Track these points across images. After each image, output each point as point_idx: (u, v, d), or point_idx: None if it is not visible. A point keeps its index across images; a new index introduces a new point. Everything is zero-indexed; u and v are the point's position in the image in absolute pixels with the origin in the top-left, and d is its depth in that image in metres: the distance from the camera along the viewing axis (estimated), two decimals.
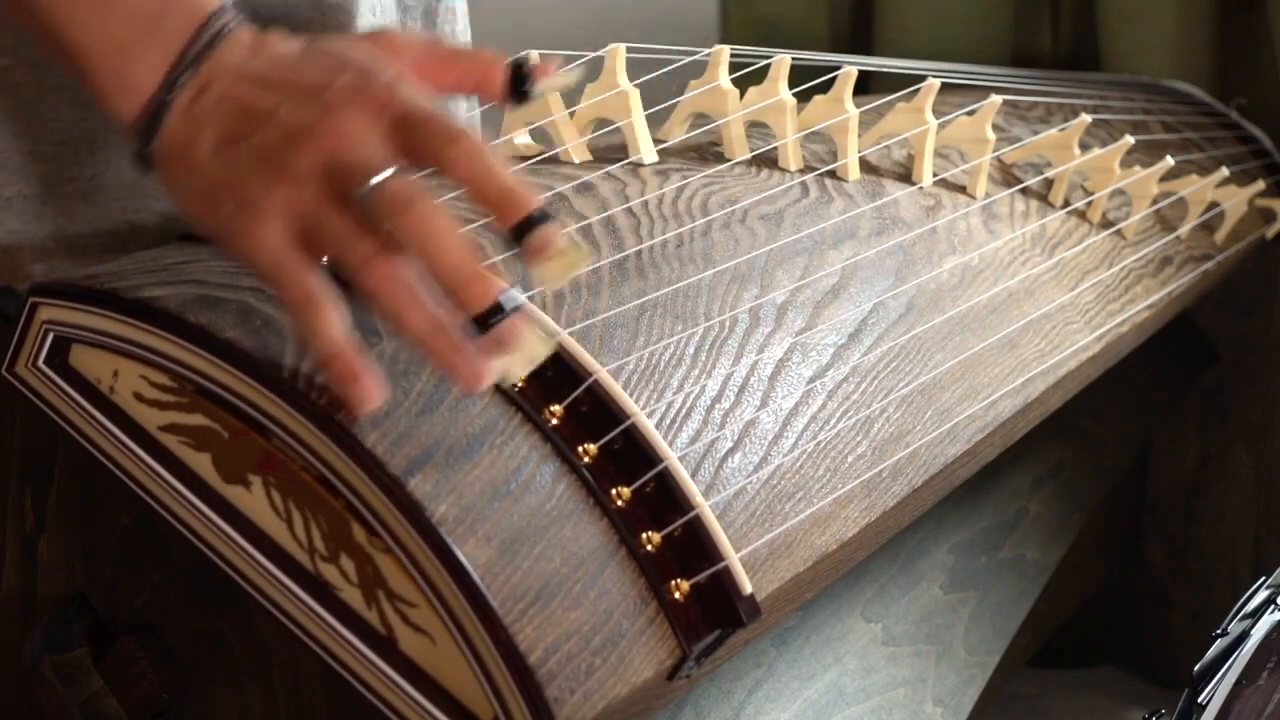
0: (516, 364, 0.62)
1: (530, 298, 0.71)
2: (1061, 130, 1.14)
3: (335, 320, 0.62)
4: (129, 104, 0.67)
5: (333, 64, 0.66)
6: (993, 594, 1.20)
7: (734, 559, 0.68)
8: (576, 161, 0.87)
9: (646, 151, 0.89)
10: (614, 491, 0.68)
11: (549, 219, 0.61)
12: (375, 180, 0.62)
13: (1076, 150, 1.13)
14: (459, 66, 0.68)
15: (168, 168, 0.67)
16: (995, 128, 1.07)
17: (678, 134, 0.95)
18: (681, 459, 0.70)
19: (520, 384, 0.68)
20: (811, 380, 0.80)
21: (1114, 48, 1.57)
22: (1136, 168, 1.18)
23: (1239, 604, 0.92)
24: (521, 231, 0.62)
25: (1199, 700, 0.84)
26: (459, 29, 1.00)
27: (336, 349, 0.62)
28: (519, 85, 0.67)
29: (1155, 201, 1.19)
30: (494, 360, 0.62)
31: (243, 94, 0.66)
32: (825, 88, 0.98)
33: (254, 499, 0.66)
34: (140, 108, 0.67)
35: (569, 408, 0.69)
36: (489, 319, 0.61)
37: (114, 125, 0.70)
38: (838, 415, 0.80)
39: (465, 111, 0.99)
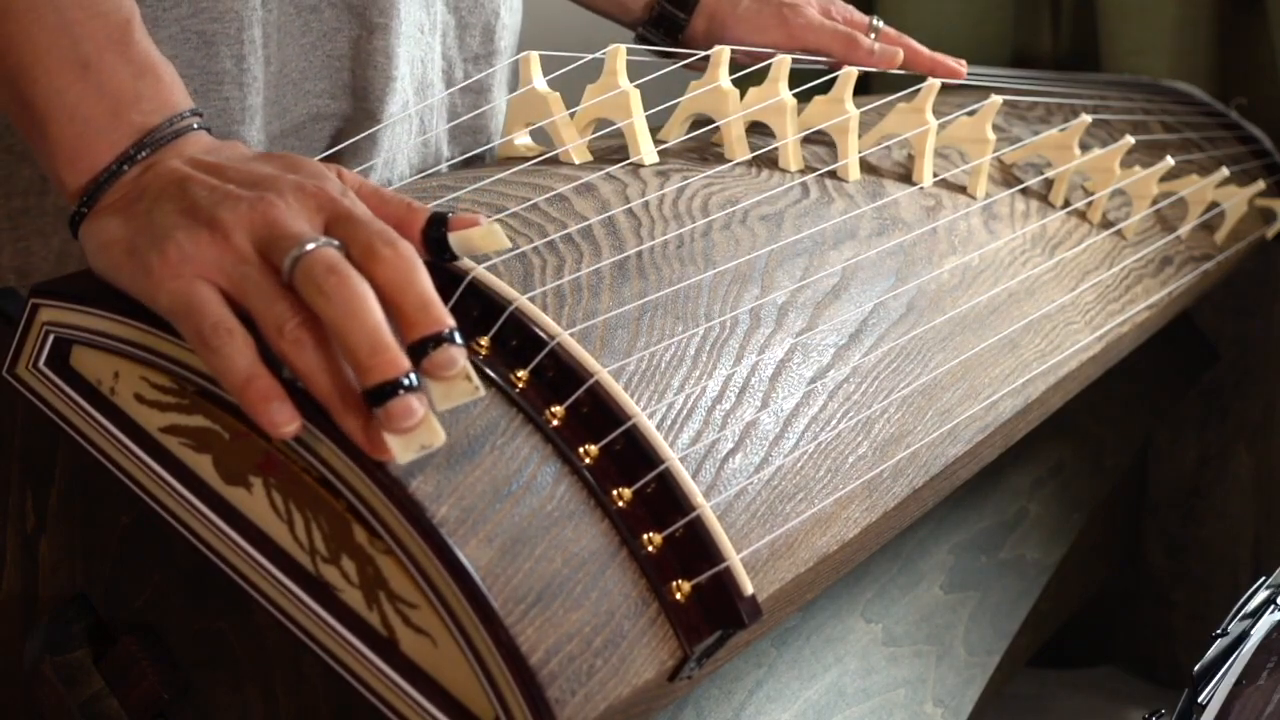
0: (405, 447, 0.61)
1: (531, 299, 0.71)
2: (1061, 130, 1.14)
3: (246, 349, 0.62)
4: (77, 173, 0.69)
5: (287, 165, 0.68)
6: (993, 594, 1.20)
7: (735, 560, 0.68)
8: (577, 162, 0.87)
9: (647, 152, 0.89)
10: (615, 492, 0.68)
11: (456, 342, 0.61)
12: (302, 248, 0.62)
13: (1077, 150, 1.13)
14: (385, 210, 0.68)
15: (93, 225, 0.68)
16: (995, 128, 1.07)
17: (678, 134, 0.95)
18: (682, 460, 0.70)
19: (521, 385, 0.68)
20: (812, 381, 0.80)
21: (1114, 48, 1.57)
22: (1136, 168, 1.18)
23: (1239, 604, 0.92)
24: (424, 347, 0.61)
25: (1199, 700, 0.84)
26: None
27: (248, 375, 0.62)
28: (435, 238, 0.67)
29: (1155, 201, 1.19)
30: (390, 435, 0.61)
31: (188, 173, 0.67)
32: (825, 88, 0.98)
33: (255, 500, 0.66)
34: (87, 178, 0.69)
35: (570, 409, 0.69)
36: (383, 394, 0.60)
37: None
38: (838, 416, 0.80)
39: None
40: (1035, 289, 1.00)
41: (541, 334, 0.70)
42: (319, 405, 0.62)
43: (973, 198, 1.03)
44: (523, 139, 0.91)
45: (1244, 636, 0.88)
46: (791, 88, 0.95)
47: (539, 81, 0.88)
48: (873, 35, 1.08)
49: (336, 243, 0.63)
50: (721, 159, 0.92)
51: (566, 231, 0.78)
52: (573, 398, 0.69)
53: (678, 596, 0.67)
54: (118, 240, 0.66)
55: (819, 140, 0.99)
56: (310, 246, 0.62)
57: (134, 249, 0.65)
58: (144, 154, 0.69)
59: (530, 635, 0.62)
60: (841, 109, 0.97)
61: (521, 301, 0.70)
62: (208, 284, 0.63)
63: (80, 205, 0.69)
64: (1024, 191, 1.09)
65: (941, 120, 1.03)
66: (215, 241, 0.64)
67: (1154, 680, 1.65)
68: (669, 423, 0.72)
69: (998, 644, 1.18)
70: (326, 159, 0.78)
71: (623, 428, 0.68)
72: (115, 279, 0.67)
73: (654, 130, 0.92)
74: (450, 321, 0.62)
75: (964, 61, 1.08)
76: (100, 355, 0.70)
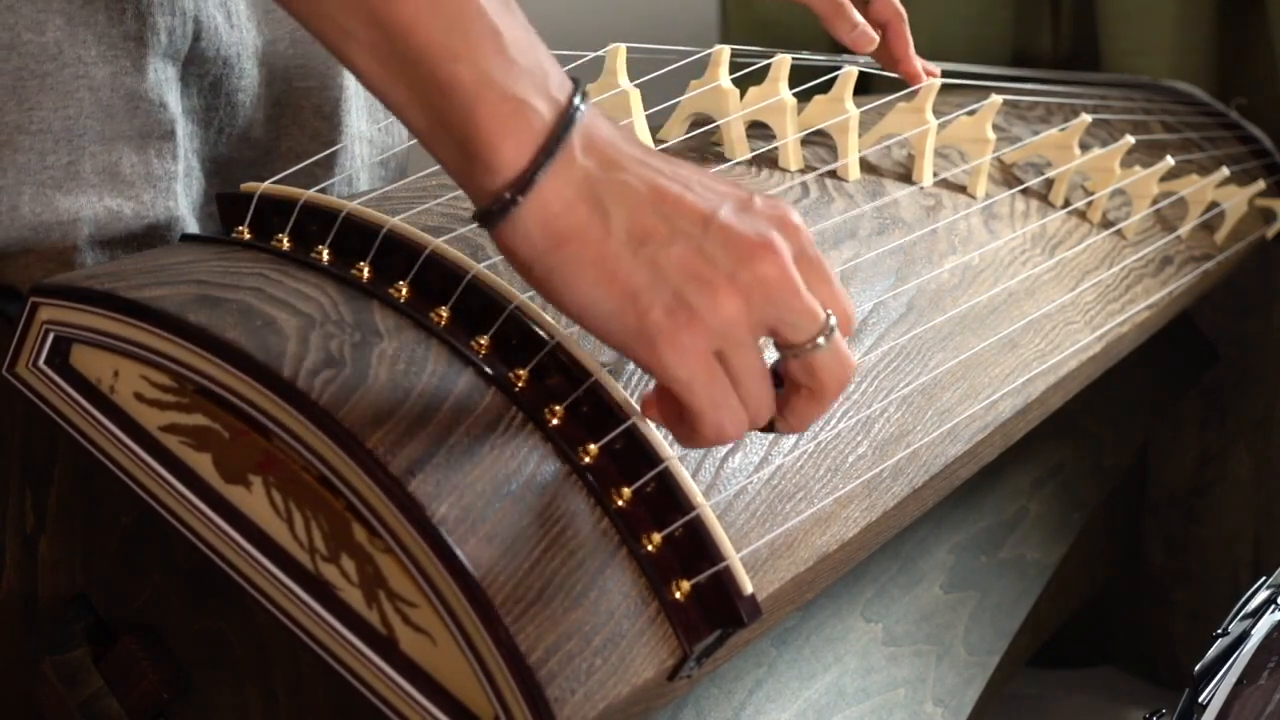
0: None
1: (531, 297, 0.71)
2: (1061, 130, 1.14)
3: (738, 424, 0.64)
4: (512, 154, 0.61)
5: (737, 190, 0.65)
6: (993, 594, 1.20)
7: (735, 559, 0.68)
8: None
9: None
10: (615, 491, 0.67)
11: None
12: (824, 338, 0.62)
13: (1077, 150, 1.13)
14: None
15: (553, 238, 0.61)
16: (995, 128, 1.07)
17: (678, 134, 0.95)
18: (682, 459, 0.70)
19: (521, 384, 0.68)
20: None
21: (1114, 48, 1.57)
22: (1136, 168, 1.18)
23: (1239, 604, 0.92)
24: None
25: (1199, 700, 0.84)
26: None
27: (723, 438, 0.64)
28: None
29: (1155, 201, 1.19)
30: None
31: (656, 182, 0.62)
32: (825, 88, 0.98)
33: (254, 499, 0.66)
34: (526, 160, 0.61)
35: (570, 408, 0.68)
36: None
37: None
38: (838, 415, 0.80)
39: None
40: (1035, 289, 1.00)
41: (542, 333, 0.70)
42: (318, 413, 0.63)
43: (973, 197, 1.03)
44: None
45: (1244, 636, 0.88)
46: (791, 87, 0.95)
47: None
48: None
49: (834, 323, 0.63)
50: (721, 158, 0.92)
51: None
52: (572, 397, 0.69)
53: (677, 596, 0.67)
54: (604, 279, 0.61)
55: (819, 140, 0.99)
56: (824, 341, 0.63)
57: (634, 296, 0.61)
58: (569, 133, 0.62)
59: (529, 634, 0.62)
60: (841, 108, 0.97)
61: (522, 300, 0.70)
62: (711, 355, 0.62)
63: (515, 192, 0.61)
64: (1024, 191, 1.09)
65: (941, 120, 1.03)
66: (731, 312, 0.61)
67: (1154, 680, 1.64)
68: None
69: (998, 644, 1.18)
70: (282, 180, 0.76)
71: (622, 427, 0.68)
72: (594, 314, 0.62)
73: (654, 130, 0.92)
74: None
75: (937, 72, 1.06)
76: (100, 354, 0.70)
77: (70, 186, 0.81)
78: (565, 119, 0.62)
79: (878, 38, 1.02)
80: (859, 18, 1.02)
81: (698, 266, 0.61)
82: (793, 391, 0.65)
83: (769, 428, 0.66)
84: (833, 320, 0.64)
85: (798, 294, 0.62)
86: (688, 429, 0.64)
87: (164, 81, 0.84)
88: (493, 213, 0.62)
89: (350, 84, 0.94)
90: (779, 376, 0.65)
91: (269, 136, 0.92)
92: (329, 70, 0.93)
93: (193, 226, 0.87)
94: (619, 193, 0.62)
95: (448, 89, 0.62)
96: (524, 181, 0.61)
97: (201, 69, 0.87)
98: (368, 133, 0.99)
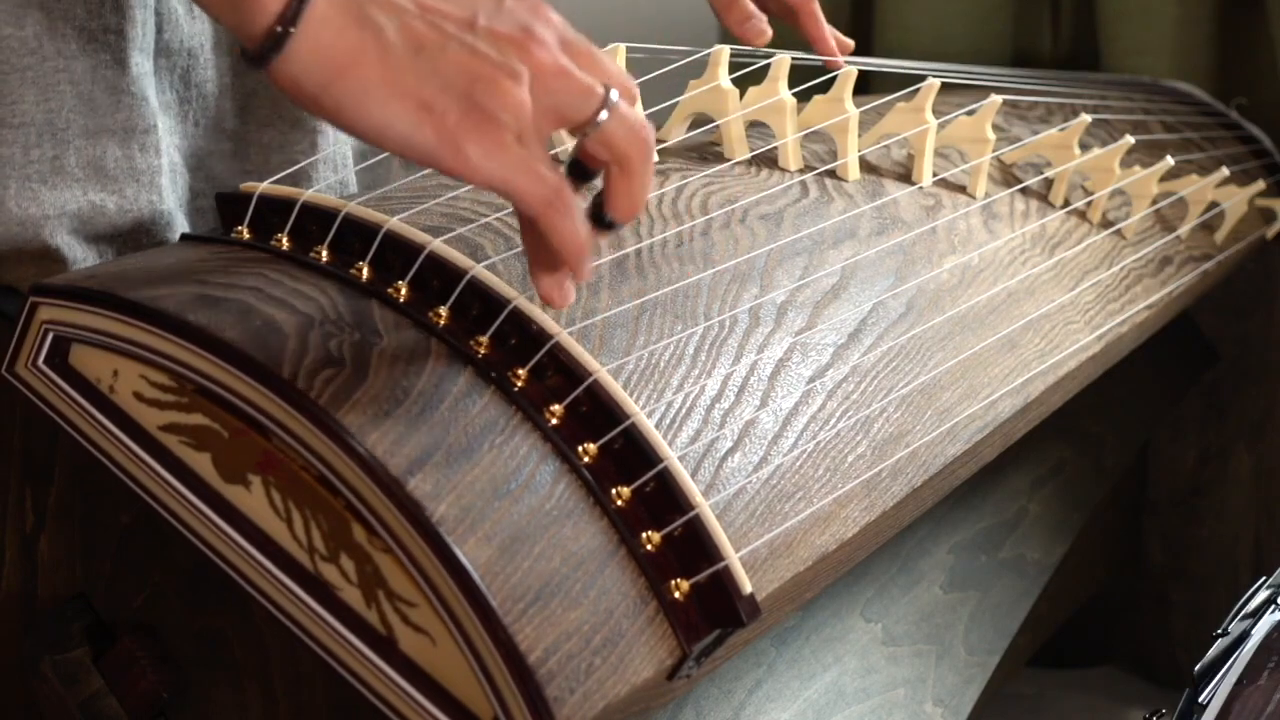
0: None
1: (530, 297, 0.71)
2: (1061, 130, 1.14)
3: (581, 216, 0.64)
4: None
5: None
6: (993, 594, 1.20)
7: (734, 559, 0.68)
8: None
9: None
10: (614, 491, 0.68)
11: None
12: (606, 110, 0.63)
13: (1076, 150, 1.13)
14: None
15: (333, 67, 0.62)
16: (995, 128, 1.07)
17: (677, 134, 0.95)
18: (681, 458, 0.70)
19: (520, 384, 0.68)
20: (811, 380, 0.79)
21: (1114, 48, 1.57)
22: (1136, 168, 1.18)
23: (1239, 604, 0.92)
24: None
25: (1199, 700, 0.84)
26: None
27: (584, 245, 0.64)
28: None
29: (1155, 201, 1.19)
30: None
31: None
32: (825, 88, 0.98)
33: (254, 499, 0.66)
34: None
35: (569, 407, 0.69)
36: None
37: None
38: (838, 415, 0.80)
39: None
40: (1035, 288, 1.00)
41: (541, 332, 0.70)
42: (318, 413, 0.63)
43: (972, 197, 1.03)
44: None
45: (1244, 636, 0.88)
46: (791, 87, 0.95)
47: None
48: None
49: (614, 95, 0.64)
50: (721, 158, 0.92)
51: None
52: (571, 396, 0.69)
53: (676, 595, 0.67)
54: (395, 94, 0.62)
55: (819, 140, 0.99)
56: (606, 114, 0.64)
57: (426, 103, 0.62)
58: None
59: (529, 634, 0.62)
60: (841, 108, 0.97)
61: (520, 300, 0.70)
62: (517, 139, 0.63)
63: (285, 24, 0.62)
64: (1024, 191, 1.09)
65: (941, 120, 1.03)
66: (513, 97, 0.62)
67: (1154, 680, 1.64)
68: (668, 422, 0.72)
69: (998, 644, 1.18)
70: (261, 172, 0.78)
71: (621, 426, 0.68)
72: (397, 133, 0.63)
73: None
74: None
75: (850, 46, 1.06)
76: (99, 353, 0.70)
77: (55, 180, 0.81)
78: None
79: (770, 32, 1.03)
80: (752, 9, 1.02)
81: (476, 66, 0.63)
82: (605, 177, 0.67)
83: (604, 223, 0.67)
84: (611, 92, 0.65)
85: (570, 75, 0.64)
86: (544, 252, 0.66)
87: (144, 75, 0.84)
88: (266, 49, 0.63)
89: None
90: (586, 168, 0.67)
91: (244, 127, 0.92)
92: None
93: (181, 222, 0.88)
94: (384, 7, 0.63)
95: None
96: (291, 12, 0.62)
97: (170, 60, 0.87)
98: None
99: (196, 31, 0.88)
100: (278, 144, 0.93)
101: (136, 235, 0.85)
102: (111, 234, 0.83)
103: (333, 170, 0.96)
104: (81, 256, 0.82)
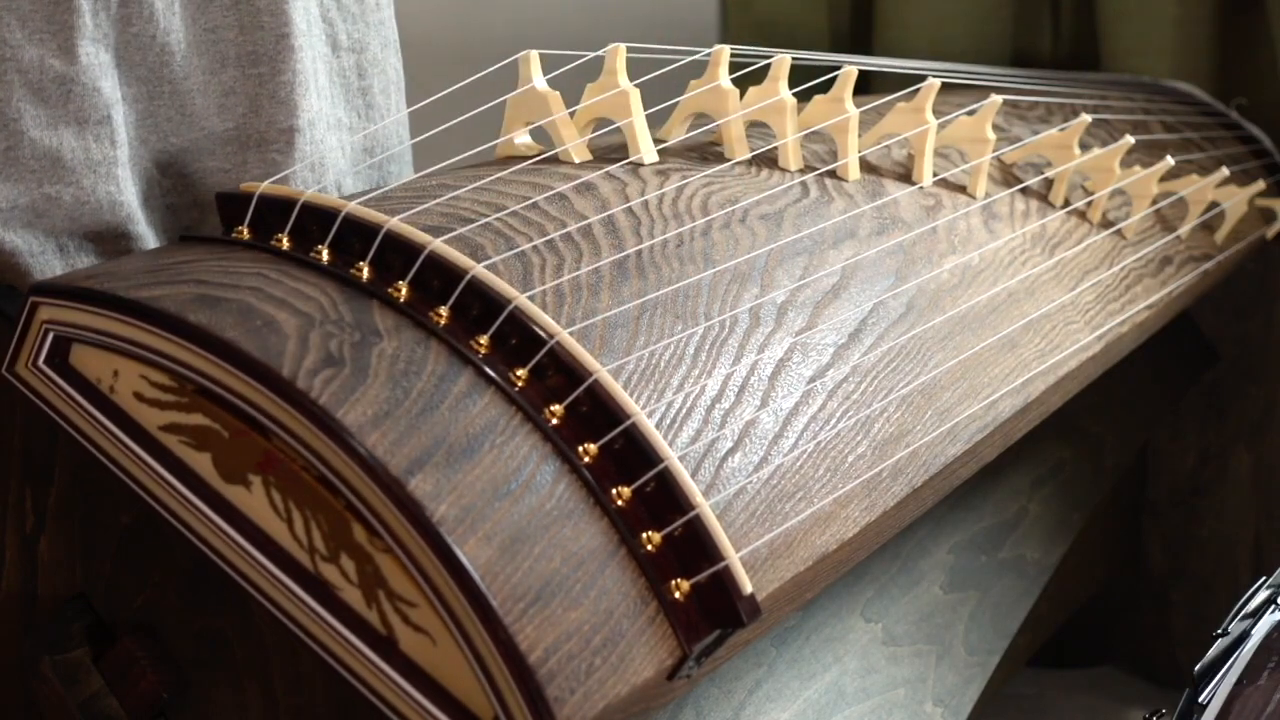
0: None
1: (531, 298, 0.71)
2: (1061, 130, 1.14)
3: None
4: None
5: None
6: (993, 594, 1.20)
7: (734, 559, 0.68)
8: (576, 161, 0.87)
9: (646, 151, 0.89)
10: (614, 491, 0.68)
11: None
12: None
13: (1076, 150, 1.13)
14: None
15: None
16: (995, 128, 1.07)
17: (678, 134, 0.95)
18: (681, 459, 0.70)
19: (521, 384, 0.68)
20: (812, 380, 0.80)
21: (1114, 48, 1.57)
22: (1136, 168, 1.18)
23: (1239, 604, 0.92)
24: None
25: (1199, 700, 0.84)
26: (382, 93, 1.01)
27: None
28: None
29: (1155, 201, 1.19)
30: None
31: None
32: (825, 88, 0.98)
33: (254, 499, 0.66)
34: None
35: (569, 407, 0.69)
36: None
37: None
38: (838, 415, 0.80)
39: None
40: (1035, 288, 1.00)
41: (541, 333, 0.70)
42: (318, 413, 0.63)
43: (972, 197, 1.03)
44: (522, 138, 0.91)
45: (1244, 636, 0.88)
46: (791, 87, 0.95)
47: (539, 80, 0.88)
48: None
49: None
50: (721, 158, 0.92)
51: (566, 230, 0.78)
52: (572, 396, 0.69)
53: (677, 595, 0.67)
54: None
55: (819, 140, 0.99)
56: None
57: None
58: None
59: (529, 634, 0.62)
60: (841, 108, 0.97)
61: (521, 300, 0.70)
62: None
63: None
64: (1024, 191, 1.09)
65: (941, 120, 1.03)
66: None
67: (1154, 680, 1.64)
68: (668, 422, 0.72)
69: (998, 644, 1.18)
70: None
71: (622, 427, 0.68)
72: None
73: (654, 130, 0.92)
74: None
75: None
76: (99, 353, 0.70)
77: (10, 173, 0.81)
78: None
79: None
80: None
81: None
82: None
83: None
84: None
85: None
86: None
87: (96, 66, 0.84)
88: None
89: (303, 67, 0.94)
90: None
91: (223, 125, 0.92)
92: (279, 55, 0.92)
93: (140, 216, 0.87)
94: None
95: None
96: None
97: (138, 55, 0.87)
98: (346, 119, 0.99)
99: (173, 28, 0.88)
100: (259, 142, 0.93)
101: (96, 227, 0.85)
102: (71, 228, 0.84)
103: (310, 170, 0.95)
104: (38, 251, 0.83)
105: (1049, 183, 1.12)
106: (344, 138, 0.99)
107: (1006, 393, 0.92)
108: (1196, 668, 0.87)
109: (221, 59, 0.91)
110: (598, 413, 0.69)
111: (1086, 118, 1.12)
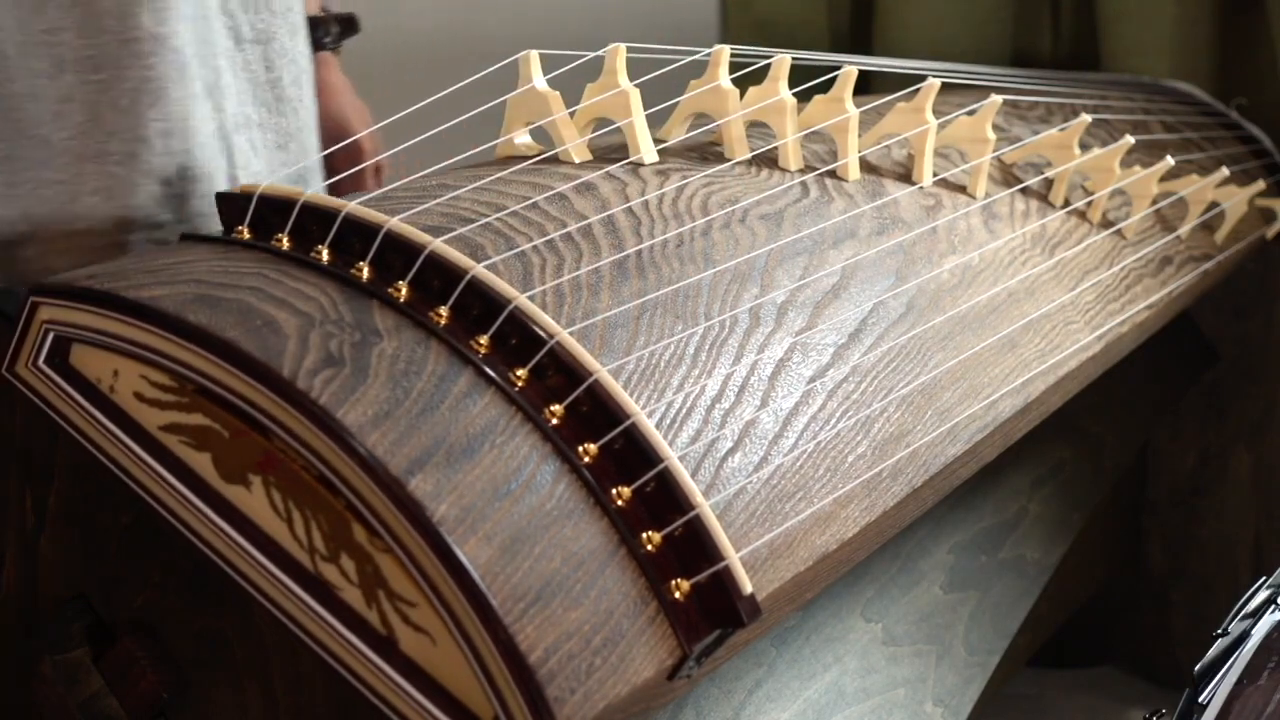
0: None
1: (531, 298, 0.71)
2: (1061, 130, 1.14)
3: None
4: None
5: None
6: (993, 594, 1.20)
7: (734, 559, 0.68)
8: (576, 161, 0.87)
9: (647, 151, 0.89)
10: (614, 491, 0.68)
11: None
12: None
13: (1076, 150, 1.13)
14: None
15: None
16: (995, 128, 1.07)
17: (678, 134, 0.95)
18: (681, 459, 0.70)
19: (521, 384, 0.68)
20: (812, 380, 0.80)
21: (1114, 48, 1.57)
22: (1136, 168, 1.18)
23: (1239, 604, 0.92)
24: None
25: (1199, 700, 0.84)
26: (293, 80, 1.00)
27: None
28: None
29: (1155, 201, 1.19)
30: None
31: None
32: (825, 88, 0.98)
33: (254, 499, 0.66)
34: None
35: (569, 407, 0.69)
36: None
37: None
38: (838, 415, 0.80)
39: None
40: (1035, 288, 1.00)
41: (541, 333, 0.70)
42: (318, 413, 0.63)
43: (973, 197, 1.03)
44: (522, 138, 0.91)
45: (1244, 636, 0.88)
46: (791, 87, 0.95)
47: (539, 80, 0.88)
48: None
49: None
50: (721, 158, 0.92)
51: (566, 230, 0.78)
52: (572, 396, 0.69)
53: (677, 595, 0.67)
54: None
55: (819, 140, 0.99)
56: None
57: None
58: None
59: (529, 634, 0.62)
60: (841, 108, 0.97)
61: (521, 300, 0.70)
62: None
63: None
64: (1024, 191, 1.09)
65: (941, 120, 1.03)
66: None
67: (1154, 680, 1.64)
68: (668, 422, 0.72)
69: (998, 644, 1.18)
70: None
71: (622, 426, 0.68)
72: None
73: (654, 130, 0.92)
74: None
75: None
76: (100, 353, 0.70)
77: None
78: None
79: None
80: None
81: None
82: None
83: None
84: None
85: None
86: None
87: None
88: None
89: (161, 73, 0.89)
90: None
91: (58, 134, 0.88)
92: (123, 60, 0.87)
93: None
94: None
95: None
96: None
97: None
98: (255, 116, 0.96)
99: (3, 26, 0.85)
100: (99, 155, 0.89)
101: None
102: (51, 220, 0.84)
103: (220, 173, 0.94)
104: None
105: (1049, 183, 1.12)
106: (254, 136, 0.96)
107: (1006, 393, 0.92)
108: (1196, 668, 0.87)
109: (58, 63, 0.86)
110: (598, 413, 0.69)
111: (1086, 118, 1.12)
